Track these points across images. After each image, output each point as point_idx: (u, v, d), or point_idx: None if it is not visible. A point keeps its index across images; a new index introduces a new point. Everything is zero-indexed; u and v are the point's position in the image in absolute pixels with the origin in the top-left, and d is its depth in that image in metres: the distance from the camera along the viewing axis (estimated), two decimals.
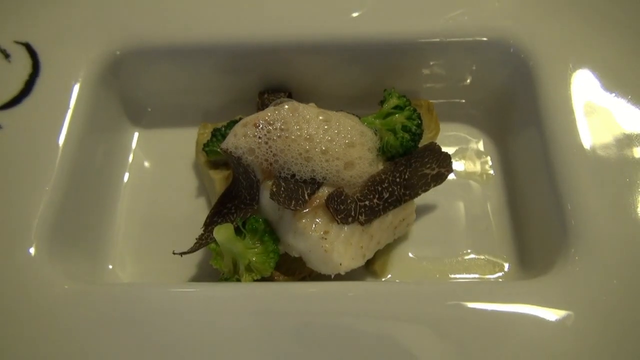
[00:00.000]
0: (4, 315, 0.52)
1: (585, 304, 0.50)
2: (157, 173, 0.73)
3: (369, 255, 0.60)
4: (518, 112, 0.68)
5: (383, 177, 0.59)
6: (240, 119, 0.62)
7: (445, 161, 0.63)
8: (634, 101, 0.62)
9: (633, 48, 0.65)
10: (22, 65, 0.66)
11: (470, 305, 0.51)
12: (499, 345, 0.49)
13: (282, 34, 0.68)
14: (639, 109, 0.61)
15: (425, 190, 0.62)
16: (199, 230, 0.61)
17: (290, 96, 0.72)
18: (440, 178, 0.62)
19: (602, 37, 0.66)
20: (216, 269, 0.59)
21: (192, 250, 0.59)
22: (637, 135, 0.59)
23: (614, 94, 0.62)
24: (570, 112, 0.61)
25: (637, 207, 0.55)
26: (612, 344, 0.49)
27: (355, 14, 0.69)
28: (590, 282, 0.51)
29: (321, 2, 0.70)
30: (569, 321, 0.50)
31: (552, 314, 0.50)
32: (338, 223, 0.57)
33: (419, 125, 0.62)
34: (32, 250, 0.55)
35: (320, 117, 0.59)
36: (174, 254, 0.58)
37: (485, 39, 0.67)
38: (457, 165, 0.71)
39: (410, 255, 0.65)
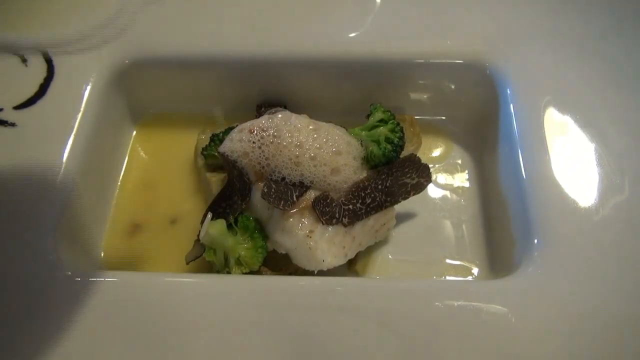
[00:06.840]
0: (10, 298, 0.57)
1: (542, 302, 0.55)
2: (157, 174, 0.77)
3: (351, 255, 0.65)
4: (494, 130, 0.73)
5: (366, 183, 0.64)
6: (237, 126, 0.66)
7: (424, 172, 0.67)
8: (599, 124, 0.67)
9: (600, 75, 0.70)
10: (38, 70, 0.71)
11: (436, 302, 0.56)
12: (458, 339, 0.54)
13: (280, 51, 0.74)
14: (603, 131, 0.66)
15: (405, 198, 0.67)
16: (195, 227, 0.65)
17: (285, 108, 0.77)
18: (419, 187, 0.67)
19: (571, 63, 0.71)
20: (209, 263, 0.63)
21: (196, 255, 0.63)
22: (599, 155, 0.64)
23: (579, 116, 0.67)
24: (540, 131, 0.66)
25: (594, 218, 0.60)
26: (558, 337, 0.54)
27: (347, 35, 0.74)
28: (548, 283, 0.57)
29: (316, 24, 0.76)
30: (525, 318, 0.54)
31: (507, 310, 0.55)
32: (323, 224, 0.61)
33: (401, 138, 0.67)
34: (39, 240, 0.60)
35: (311, 127, 0.64)
36: (186, 263, 0.63)
37: (461, 61, 0.72)
38: (436, 176, 0.76)
39: (390, 257, 0.70)
